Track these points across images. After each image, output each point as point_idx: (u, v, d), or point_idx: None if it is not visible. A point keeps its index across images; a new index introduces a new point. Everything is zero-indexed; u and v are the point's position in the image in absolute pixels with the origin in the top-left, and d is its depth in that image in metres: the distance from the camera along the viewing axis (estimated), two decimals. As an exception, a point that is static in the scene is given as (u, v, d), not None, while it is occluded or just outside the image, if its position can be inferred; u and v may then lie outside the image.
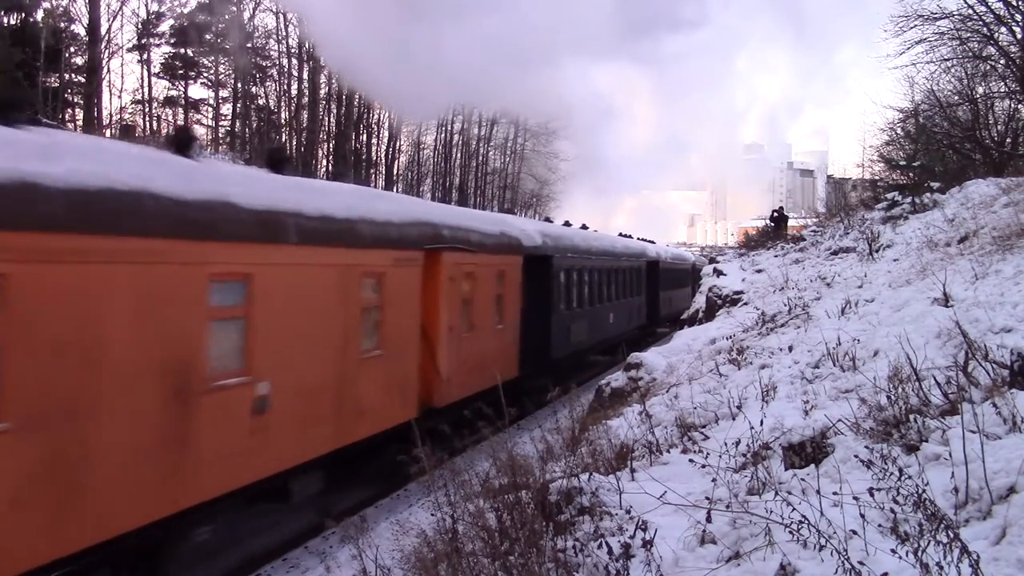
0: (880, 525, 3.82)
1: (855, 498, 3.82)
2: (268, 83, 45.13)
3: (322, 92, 43.43)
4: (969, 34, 20.88)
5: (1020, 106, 22.16)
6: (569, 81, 51.68)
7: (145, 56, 41.75)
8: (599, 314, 21.82)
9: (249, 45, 41.44)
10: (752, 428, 5.32)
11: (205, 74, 44.56)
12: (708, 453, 5.07)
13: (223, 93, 44.23)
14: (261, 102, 44.74)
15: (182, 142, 7.80)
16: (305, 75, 43.05)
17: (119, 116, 40.51)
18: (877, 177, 26.76)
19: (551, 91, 43.24)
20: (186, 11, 42.47)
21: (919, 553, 3.34)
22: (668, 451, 6.23)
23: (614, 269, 23.69)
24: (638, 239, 33.62)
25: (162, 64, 43.56)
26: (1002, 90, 22.35)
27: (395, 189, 43.62)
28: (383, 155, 47.97)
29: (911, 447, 4.68)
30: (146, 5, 40.95)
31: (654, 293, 30.16)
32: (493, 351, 13.89)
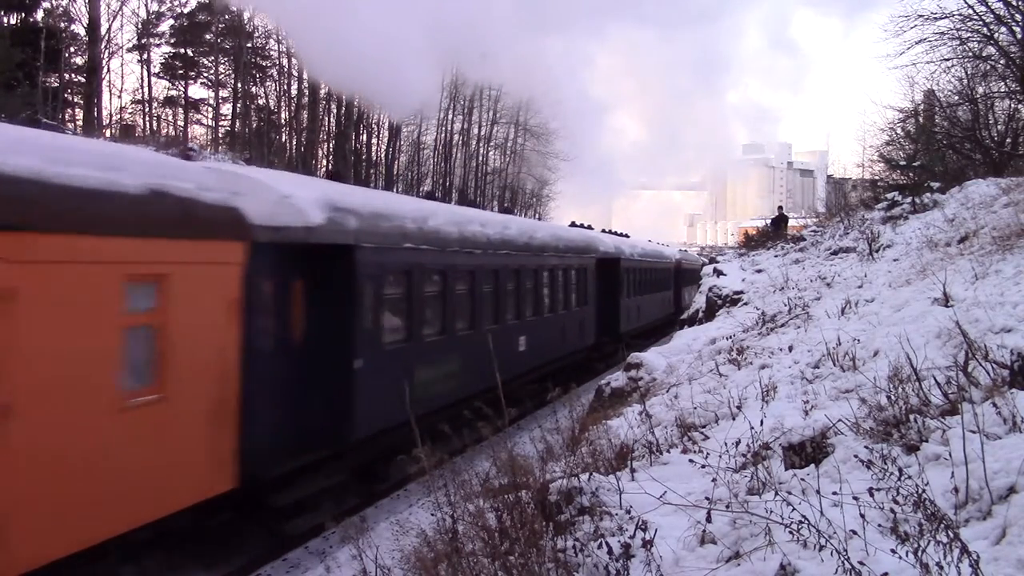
0: (880, 525, 3.81)
1: (855, 498, 3.82)
2: (268, 83, 45.21)
3: (322, 92, 43.48)
4: (969, 34, 20.91)
5: (1020, 106, 22.17)
6: (562, 73, 51.51)
7: (145, 56, 41.83)
8: (498, 339, 12.64)
9: (249, 45, 41.44)
10: (752, 428, 5.32)
11: (205, 74, 44.63)
12: (708, 453, 5.07)
13: (223, 93, 44.30)
14: (261, 102, 44.79)
15: None
16: (305, 75, 43.10)
17: (119, 116, 40.61)
18: (877, 177, 26.80)
19: (545, 80, 42.97)
20: (186, 11, 42.59)
21: (919, 553, 3.33)
22: (668, 451, 6.23)
23: (531, 269, 16.52)
24: (608, 231, 28.64)
25: (162, 64, 43.64)
26: (1002, 90, 22.37)
27: (395, 189, 43.61)
28: (383, 155, 48.02)
29: (911, 447, 4.68)
30: (146, 5, 41.09)
31: (611, 301, 23.23)
32: (125, 448, 6.55)
